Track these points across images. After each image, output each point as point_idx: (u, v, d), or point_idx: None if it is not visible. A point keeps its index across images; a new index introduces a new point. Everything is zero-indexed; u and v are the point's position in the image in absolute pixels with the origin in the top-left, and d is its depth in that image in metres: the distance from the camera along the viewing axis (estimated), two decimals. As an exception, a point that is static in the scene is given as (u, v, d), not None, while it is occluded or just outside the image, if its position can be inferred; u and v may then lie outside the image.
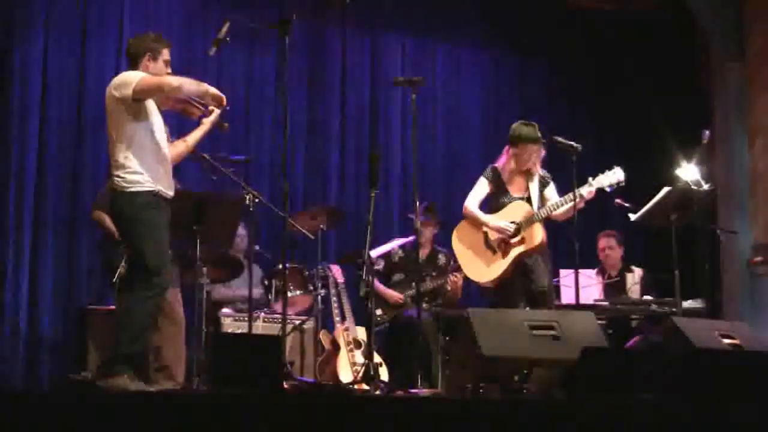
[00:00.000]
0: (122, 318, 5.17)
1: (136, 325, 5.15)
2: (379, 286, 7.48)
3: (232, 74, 8.63)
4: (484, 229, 6.43)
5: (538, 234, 6.29)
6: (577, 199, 6.16)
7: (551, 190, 6.46)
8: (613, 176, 6.29)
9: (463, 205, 6.52)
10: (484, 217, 6.44)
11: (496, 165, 6.50)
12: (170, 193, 5.38)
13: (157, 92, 5.37)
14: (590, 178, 6.29)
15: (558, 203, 6.29)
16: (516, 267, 6.32)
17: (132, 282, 5.24)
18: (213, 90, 5.52)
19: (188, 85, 5.47)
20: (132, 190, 5.23)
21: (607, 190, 6.32)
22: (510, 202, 6.42)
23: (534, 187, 6.42)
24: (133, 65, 5.44)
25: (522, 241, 6.30)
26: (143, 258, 5.19)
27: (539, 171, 6.44)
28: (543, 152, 6.43)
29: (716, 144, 8.80)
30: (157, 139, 5.35)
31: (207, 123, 5.72)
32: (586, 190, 6.24)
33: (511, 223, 6.32)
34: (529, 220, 6.29)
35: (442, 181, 9.37)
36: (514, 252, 6.31)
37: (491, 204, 6.49)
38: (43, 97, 7.82)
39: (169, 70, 5.50)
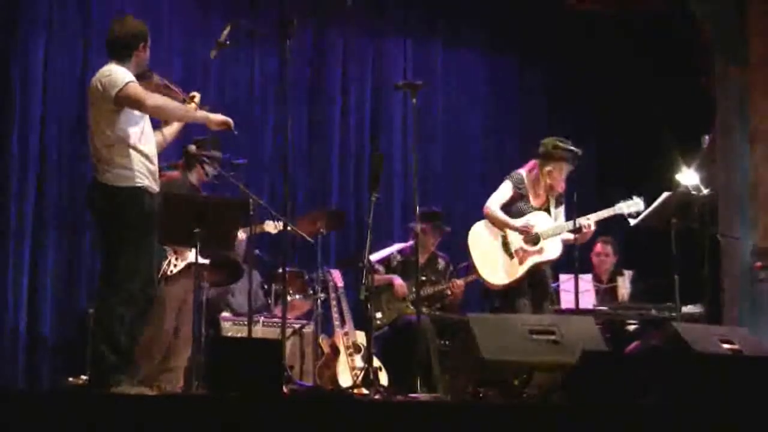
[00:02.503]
0: (98, 330, 5.07)
1: (114, 334, 5.04)
2: (381, 277, 7.43)
3: (233, 78, 8.64)
4: (505, 231, 6.52)
5: (557, 247, 6.45)
6: (590, 228, 6.36)
7: (560, 211, 6.62)
8: (633, 206, 6.48)
9: (485, 205, 6.61)
10: (506, 218, 6.53)
11: (522, 172, 6.58)
12: (155, 187, 5.28)
13: (137, 107, 5.19)
14: (613, 206, 6.47)
15: (575, 223, 6.37)
16: (528, 275, 6.45)
17: (102, 287, 5.16)
18: (216, 118, 5.42)
19: (178, 110, 5.37)
20: (120, 185, 5.11)
21: (625, 217, 6.49)
22: (529, 211, 6.53)
23: (553, 201, 6.58)
24: (126, 53, 5.27)
25: (540, 252, 6.42)
26: (116, 260, 5.10)
27: (562, 189, 6.57)
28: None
29: (718, 149, 8.79)
30: (142, 133, 5.23)
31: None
32: (605, 214, 6.43)
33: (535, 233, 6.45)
34: (549, 232, 6.42)
35: (443, 184, 9.37)
36: (531, 260, 6.44)
37: (508, 210, 6.58)
38: (44, 101, 7.82)
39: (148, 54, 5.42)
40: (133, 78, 5.19)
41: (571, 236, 6.39)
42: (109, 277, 5.13)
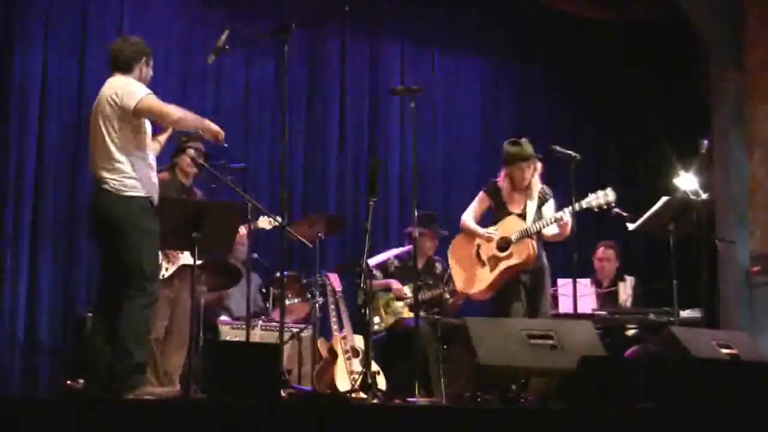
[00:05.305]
0: (126, 329, 5.15)
1: (140, 334, 5.20)
2: (379, 282, 7.44)
3: (231, 82, 8.65)
4: (477, 241, 6.54)
5: (526, 249, 6.37)
6: (563, 220, 6.25)
7: (548, 207, 6.54)
8: (603, 197, 6.32)
9: (461, 218, 6.66)
10: (474, 227, 6.57)
11: (497, 181, 6.57)
12: (156, 198, 5.39)
13: (157, 118, 5.37)
14: (581, 200, 6.33)
15: (548, 220, 6.36)
16: (506, 280, 6.42)
17: (126, 289, 5.19)
18: (214, 127, 5.51)
19: (191, 120, 5.48)
20: (130, 194, 5.22)
21: (595, 210, 6.35)
22: (505, 217, 6.48)
23: (532, 204, 6.51)
24: (126, 69, 5.38)
25: (510, 256, 6.40)
26: (140, 264, 5.20)
27: (538, 187, 6.49)
28: (540, 166, 6.47)
29: (715, 153, 8.80)
30: (147, 144, 5.36)
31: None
32: (572, 209, 6.25)
33: (503, 238, 6.41)
34: (520, 235, 6.36)
35: (441, 189, 9.37)
36: (502, 265, 6.43)
37: (493, 220, 6.57)
38: (43, 106, 7.81)
39: (152, 73, 5.53)
40: (149, 90, 5.29)
41: (556, 230, 6.36)
42: (132, 280, 5.19)
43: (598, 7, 9.49)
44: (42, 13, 7.89)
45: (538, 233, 6.39)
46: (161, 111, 5.32)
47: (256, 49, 8.63)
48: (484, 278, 6.49)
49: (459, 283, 6.70)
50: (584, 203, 6.31)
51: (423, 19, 9.57)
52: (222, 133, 5.52)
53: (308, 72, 9.02)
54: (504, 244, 6.42)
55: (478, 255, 6.54)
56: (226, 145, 5.63)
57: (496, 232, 6.45)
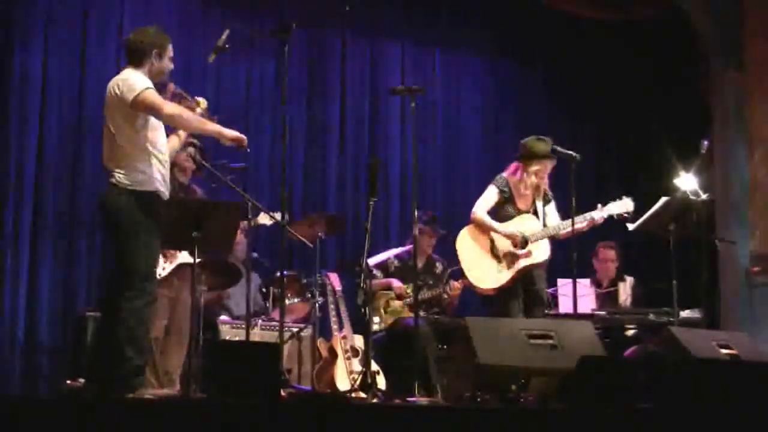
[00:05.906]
0: (124, 330, 5.10)
1: (138, 336, 5.13)
2: (380, 282, 7.45)
3: (231, 82, 8.64)
4: (492, 235, 6.51)
5: (545, 249, 6.46)
6: (585, 222, 6.37)
7: (551, 208, 6.62)
8: (623, 206, 6.49)
9: (472, 210, 6.64)
10: (493, 223, 6.54)
11: (505, 175, 6.58)
12: (167, 194, 5.35)
13: (153, 114, 5.25)
14: (600, 204, 6.46)
15: (567, 223, 6.39)
16: (519, 278, 6.43)
17: (125, 290, 5.14)
18: (230, 134, 5.42)
19: (192, 121, 5.40)
20: (135, 189, 5.17)
21: (614, 218, 6.47)
22: (517, 214, 6.54)
23: (540, 202, 6.56)
24: (137, 62, 5.31)
25: (528, 254, 6.43)
26: (140, 263, 5.15)
27: (545, 186, 6.53)
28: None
29: (715, 153, 8.80)
30: (156, 139, 5.30)
31: None
32: (598, 215, 6.42)
33: (520, 233, 6.43)
34: (538, 235, 6.41)
35: (441, 189, 9.37)
36: (520, 264, 6.44)
37: (496, 214, 6.58)
38: (43, 106, 7.81)
39: (172, 66, 5.45)
40: (150, 84, 5.23)
41: (568, 228, 6.39)
42: (129, 280, 5.15)
43: (598, 7, 9.48)
44: (42, 13, 7.89)
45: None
46: (157, 107, 5.21)
47: (256, 49, 8.63)
48: (501, 275, 6.47)
49: (472, 278, 6.63)
50: (605, 210, 6.41)
51: (423, 19, 9.56)
52: (245, 139, 5.44)
53: (308, 72, 9.02)
54: (522, 241, 6.45)
55: (493, 250, 6.53)
56: (248, 150, 5.57)
57: (521, 233, 6.43)
